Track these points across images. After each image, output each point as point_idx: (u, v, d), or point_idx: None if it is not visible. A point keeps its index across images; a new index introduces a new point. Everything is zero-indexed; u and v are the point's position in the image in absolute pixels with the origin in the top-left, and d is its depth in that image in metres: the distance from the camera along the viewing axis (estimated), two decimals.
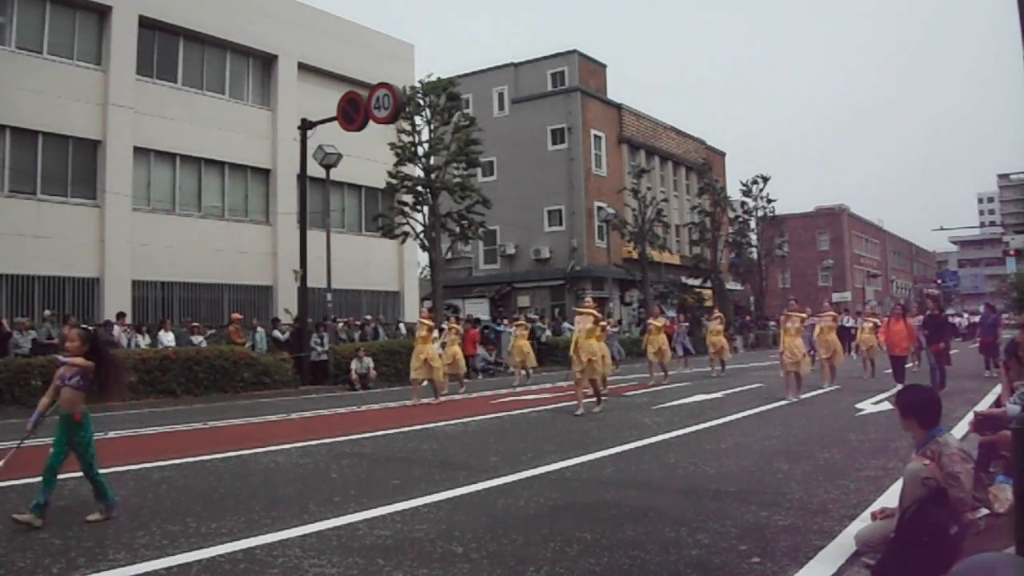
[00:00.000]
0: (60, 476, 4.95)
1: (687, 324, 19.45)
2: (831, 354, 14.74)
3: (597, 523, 4.76)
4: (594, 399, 11.45)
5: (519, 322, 19.40)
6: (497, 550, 4.23)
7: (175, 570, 3.93)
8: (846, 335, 21.37)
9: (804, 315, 14.18)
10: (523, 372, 18.17)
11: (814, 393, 13.34)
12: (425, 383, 13.71)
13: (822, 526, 4.63)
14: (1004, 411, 5.99)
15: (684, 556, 4.05)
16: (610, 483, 6.21)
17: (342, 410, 12.91)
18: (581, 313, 11.92)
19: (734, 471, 6.53)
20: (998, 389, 10.08)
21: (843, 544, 4.21)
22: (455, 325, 16.71)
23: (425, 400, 13.38)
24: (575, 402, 11.27)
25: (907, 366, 15.63)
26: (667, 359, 17.02)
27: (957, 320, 48.30)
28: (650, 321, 17.54)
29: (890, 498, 4.93)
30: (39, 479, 4.88)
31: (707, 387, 14.91)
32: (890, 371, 15.21)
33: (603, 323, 12.90)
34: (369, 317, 23.20)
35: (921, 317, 16.15)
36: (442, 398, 13.70)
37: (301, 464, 7.36)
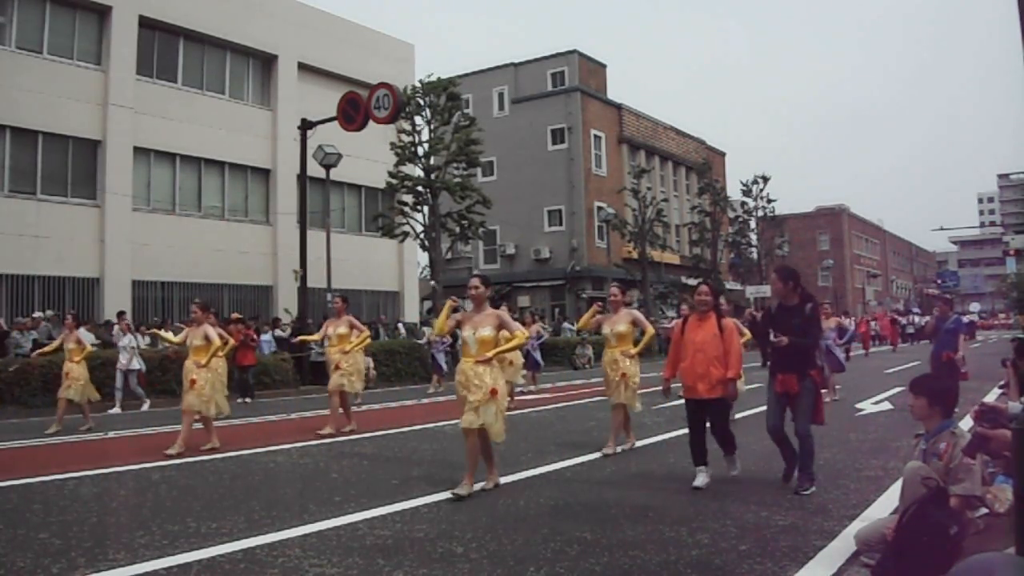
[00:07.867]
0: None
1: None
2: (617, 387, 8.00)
3: (597, 523, 4.77)
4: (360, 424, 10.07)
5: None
6: (497, 550, 4.23)
7: (175, 570, 3.93)
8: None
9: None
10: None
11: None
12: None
13: (822, 526, 4.63)
14: (1005, 406, 6.00)
15: (684, 556, 4.05)
16: (610, 483, 6.21)
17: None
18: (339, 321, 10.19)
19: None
20: (997, 391, 10.06)
21: (843, 544, 4.21)
22: (72, 328, 10.96)
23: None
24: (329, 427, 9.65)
25: (826, 399, 7.23)
26: None
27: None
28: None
29: (890, 498, 4.93)
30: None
31: None
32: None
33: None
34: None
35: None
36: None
37: (301, 464, 7.37)
